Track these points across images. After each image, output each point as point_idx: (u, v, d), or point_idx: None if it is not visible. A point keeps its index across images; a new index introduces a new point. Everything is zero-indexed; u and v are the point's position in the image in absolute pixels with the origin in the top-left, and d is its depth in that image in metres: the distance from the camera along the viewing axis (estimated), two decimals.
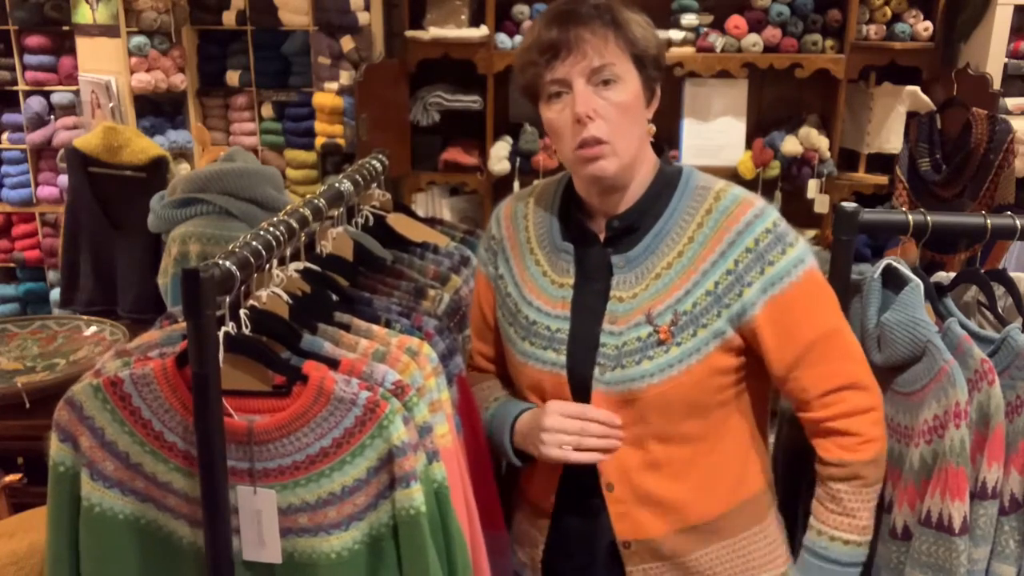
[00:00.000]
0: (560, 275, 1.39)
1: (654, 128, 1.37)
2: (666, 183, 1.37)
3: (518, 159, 3.53)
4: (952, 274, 1.59)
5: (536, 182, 1.56)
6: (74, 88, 4.25)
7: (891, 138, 3.51)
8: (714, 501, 1.37)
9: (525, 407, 1.40)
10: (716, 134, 3.60)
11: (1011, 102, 3.60)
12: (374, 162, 1.68)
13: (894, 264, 1.51)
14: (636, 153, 1.32)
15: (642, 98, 1.32)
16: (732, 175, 3.44)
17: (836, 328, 1.34)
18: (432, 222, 1.80)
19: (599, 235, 1.38)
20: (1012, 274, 1.52)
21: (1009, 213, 1.52)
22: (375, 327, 1.27)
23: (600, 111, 1.26)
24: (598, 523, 1.38)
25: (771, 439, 1.54)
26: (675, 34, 3.49)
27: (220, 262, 1.08)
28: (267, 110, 4.22)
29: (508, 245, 1.47)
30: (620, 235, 1.36)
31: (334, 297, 1.35)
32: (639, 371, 1.30)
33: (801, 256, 1.31)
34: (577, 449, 1.31)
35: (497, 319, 1.47)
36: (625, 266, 1.35)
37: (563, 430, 1.31)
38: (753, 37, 3.47)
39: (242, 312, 1.15)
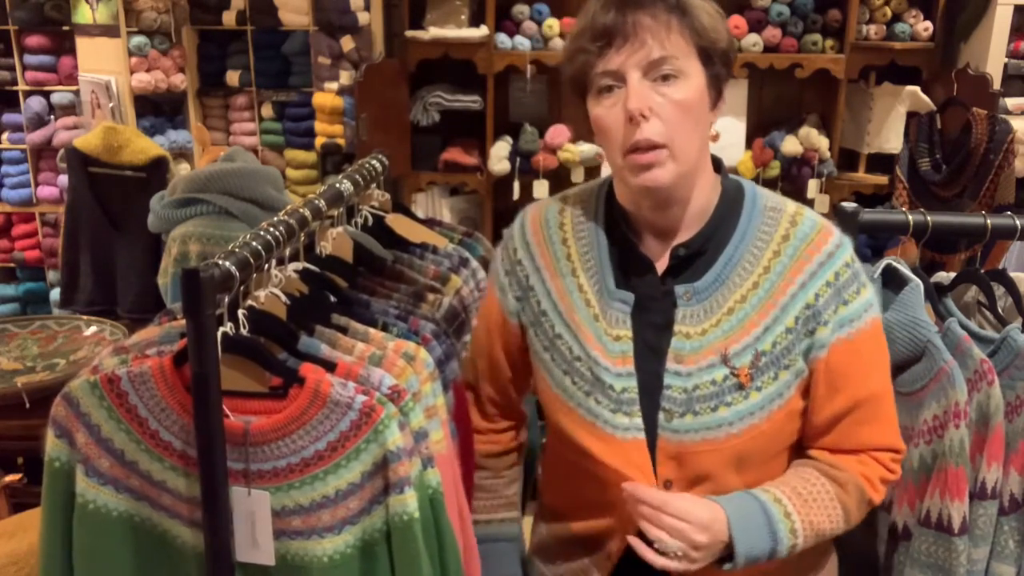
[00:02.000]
0: (613, 325, 1.21)
1: (719, 133, 1.22)
2: (731, 202, 1.21)
3: (518, 159, 3.52)
4: (952, 274, 1.59)
5: (567, 191, 1.34)
6: (74, 88, 4.25)
7: (891, 138, 3.50)
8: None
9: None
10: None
11: (1011, 102, 3.60)
12: (374, 162, 1.68)
13: (894, 264, 1.51)
14: (696, 161, 1.16)
15: (707, 98, 1.15)
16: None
17: (888, 389, 1.23)
18: (431, 223, 1.79)
19: (654, 261, 1.21)
20: (1012, 274, 1.52)
21: (1009, 213, 1.52)
22: (372, 330, 1.26)
23: (657, 109, 1.10)
24: None
25: None
26: None
27: (220, 262, 1.08)
28: (267, 110, 4.22)
29: (547, 276, 1.26)
30: (684, 261, 1.20)
31: (332, 299, 1.35)
32: (716, 419, 1.16)
33: (871, 300, 1.19)
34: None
35: (540, 361, 1.28)
36: (692, 298, 1.18)
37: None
38: (753, 37, 3.47)
39: (240, 312, 1.15)
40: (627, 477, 1.19)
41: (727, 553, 1.15)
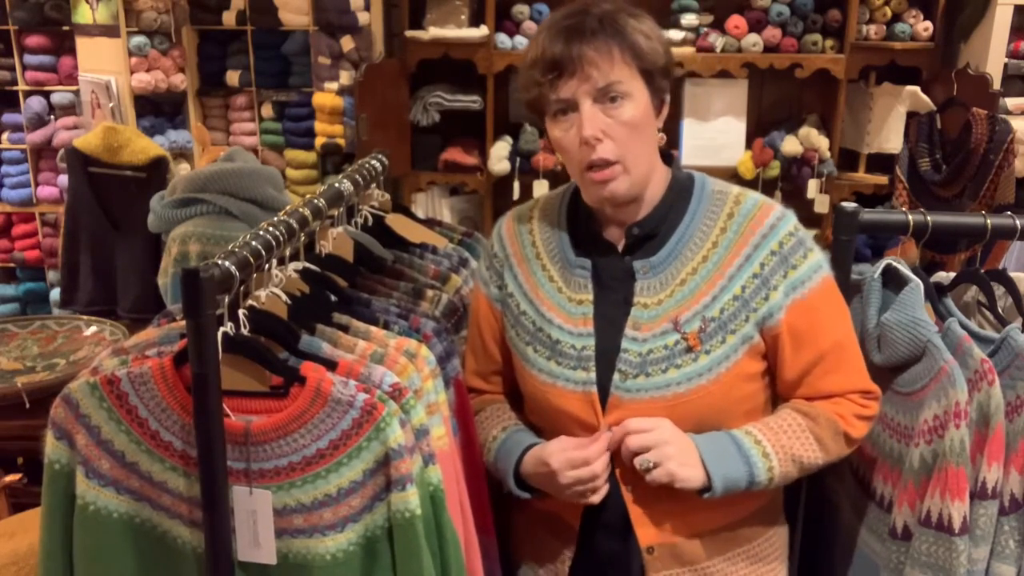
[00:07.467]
0: (576, 291, 1.35)
1: (664, 137, 1.34)
2: (681, 189, 1.35)
3: (518, 159, 3.53)
4: (952, 274, 1.59)
5: (536, 196, 1.52)
6: (74, 88, 4.25)
7: (891, 138, 3.50)
8: (736, 507, 1.35)
9: (525, 448, 1.35)
10: (716, 134, 3.60)
11: (1011, 102, 3.60)
12: (374, 162, 1.68)
13: (894, 264, 1.51)
14: (648, 166, 1.30)
15: (651, 111, 1.29)
16: (732, 175, 3.44)
17: (850, 337, 1.35)
18: (431, 223, 1.80)
19: (616, 244, 1.35)
20: (1012, 274, 1.52)
21: (1009, 213, 1.52)
22: (373, 328, 1.27)
23: (608, 131, 1.24)
24: (626, 531, 1.34)
25: None
26: (675, 34, 3.49)
27: (220, 262, 1.08)
28: (267, 110, 4.22)
29: (515, 262, 1.42)
30: (640, 241, 1.34)
31: (333, 298, 1.35)
32: (665, 379, 1.28)
33: (820, 262, 1.32)
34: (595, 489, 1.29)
35: (509, 339, 1.42)
36: (649, 272, 1.32)
37: (578, 480, 1.27)
38: (753, 37, 3.47)
39: (241, 312, 1.15)
40: (582, 430, 1.31)
41: (707, 485, 1.26)
